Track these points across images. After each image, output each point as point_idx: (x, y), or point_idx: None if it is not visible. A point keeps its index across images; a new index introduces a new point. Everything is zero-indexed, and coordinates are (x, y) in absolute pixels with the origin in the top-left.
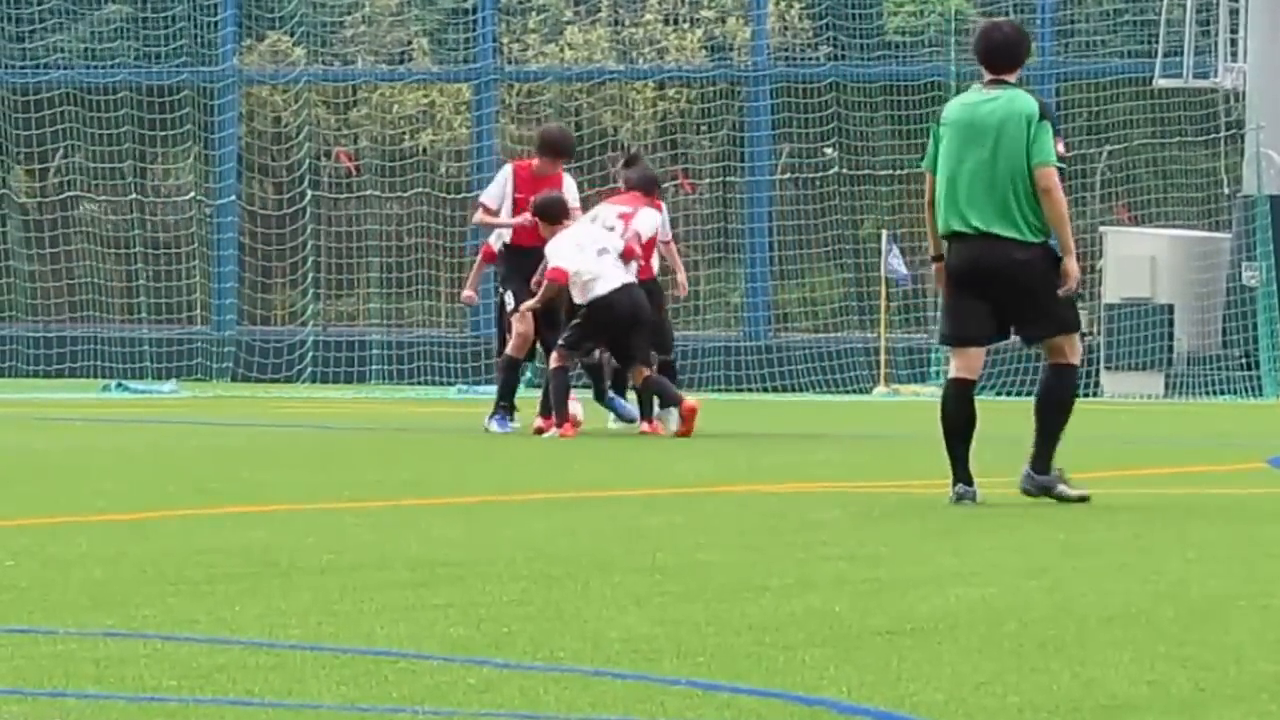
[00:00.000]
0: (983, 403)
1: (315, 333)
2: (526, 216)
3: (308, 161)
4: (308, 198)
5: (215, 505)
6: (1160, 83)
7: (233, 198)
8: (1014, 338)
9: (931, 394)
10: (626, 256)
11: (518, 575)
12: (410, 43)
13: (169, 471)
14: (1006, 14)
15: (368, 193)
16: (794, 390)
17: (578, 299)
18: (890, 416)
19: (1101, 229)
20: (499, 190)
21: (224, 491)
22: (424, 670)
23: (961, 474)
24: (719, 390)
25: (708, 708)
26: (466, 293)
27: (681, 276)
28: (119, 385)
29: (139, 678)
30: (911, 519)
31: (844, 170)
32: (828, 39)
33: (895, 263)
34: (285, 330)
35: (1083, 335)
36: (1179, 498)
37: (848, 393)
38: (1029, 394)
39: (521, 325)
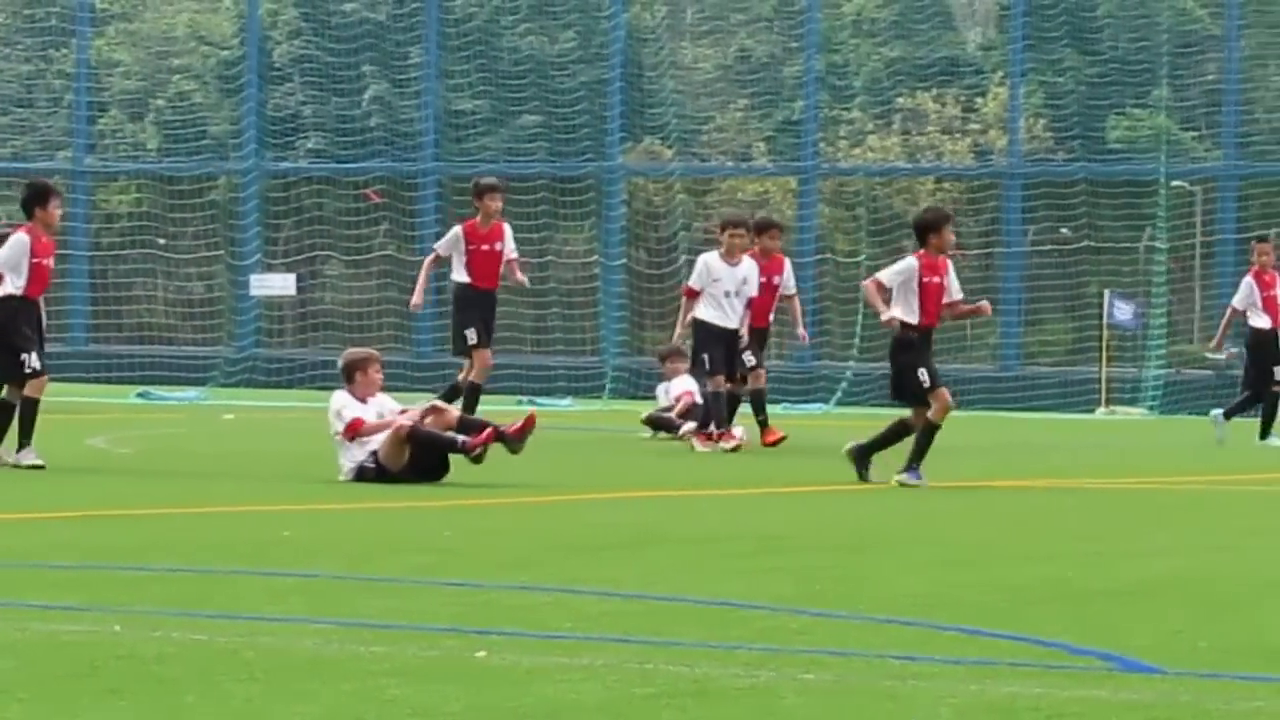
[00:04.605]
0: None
1: None
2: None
3: (679, 233)
4: (680, 260)
5: (603, 491)
6: None
7: (620, 260)
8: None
9: (1141, 414)
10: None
11: (828, 546)
12: (751, 146)
13: (571, 463)
14: (1198, 130)
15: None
16: (1037, 410)
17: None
18: (1110, 431)
19: None
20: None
21: (616, 480)
22: (758, 617)
23: None
24: (981, 410)
25: (970, 648)
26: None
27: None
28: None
29: (543, 620)
30: (1126, 507)
31: (1076, 244)
32: (1065, 146)
33: (1120, 314)
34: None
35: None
36: None
37: (1077, 412)
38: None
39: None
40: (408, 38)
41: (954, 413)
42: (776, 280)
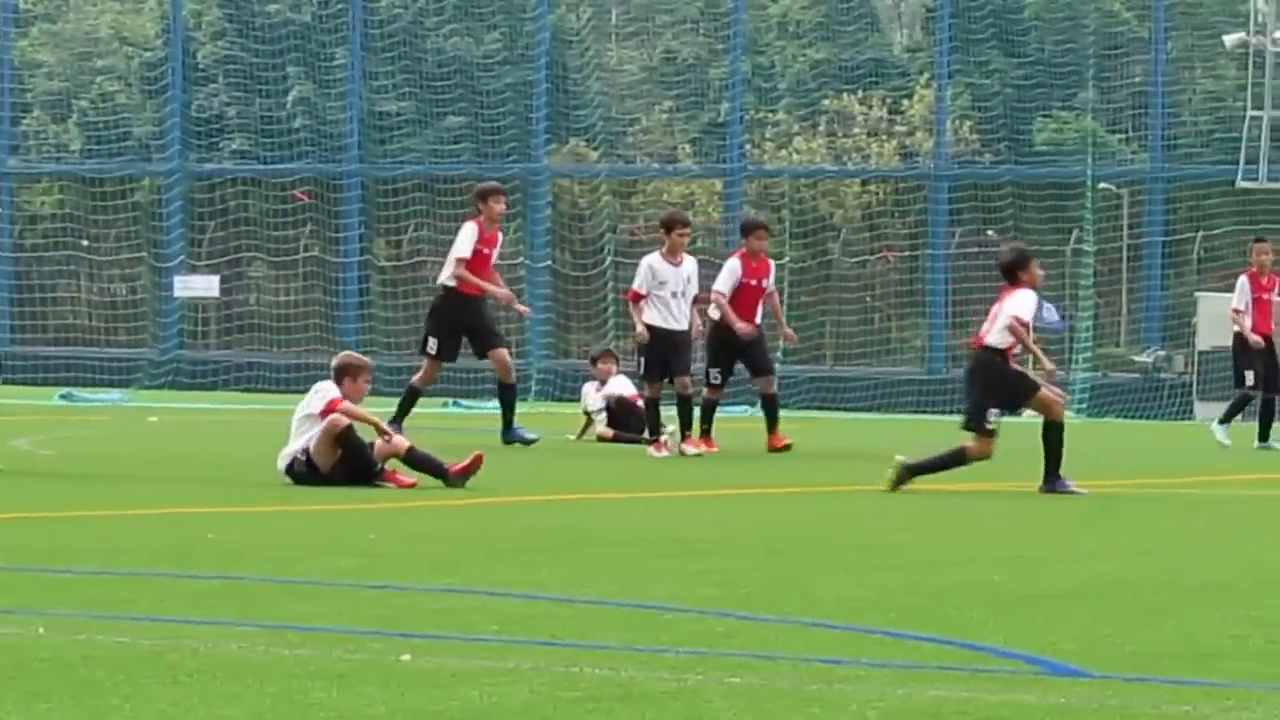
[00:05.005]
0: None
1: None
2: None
3: (604, 235)
4: (606, 262)
5: (529, 493)
6: (1241, 184)
7: (545, 262)
8: None
9: (1068, 417)
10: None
11: (755, 549)
12: (676, 148)
13: (497, 466)
14: (1125, 133)
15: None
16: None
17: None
18: (1037, 434)
19: (1196, 294)
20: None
21: (542, 483)
22: (684, 620)
23: None
24: (910, 413)
25: (897, 651)
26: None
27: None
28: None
29: (469, 623)
30: (1053, 511)
31: (1002, 247)
32: (991, 149)
33: (1048, 315)
34: (581, 364)
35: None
36: (1262, 497)
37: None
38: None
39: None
40: (332, 39)
41: (880, 415)
42: (766, 283)
